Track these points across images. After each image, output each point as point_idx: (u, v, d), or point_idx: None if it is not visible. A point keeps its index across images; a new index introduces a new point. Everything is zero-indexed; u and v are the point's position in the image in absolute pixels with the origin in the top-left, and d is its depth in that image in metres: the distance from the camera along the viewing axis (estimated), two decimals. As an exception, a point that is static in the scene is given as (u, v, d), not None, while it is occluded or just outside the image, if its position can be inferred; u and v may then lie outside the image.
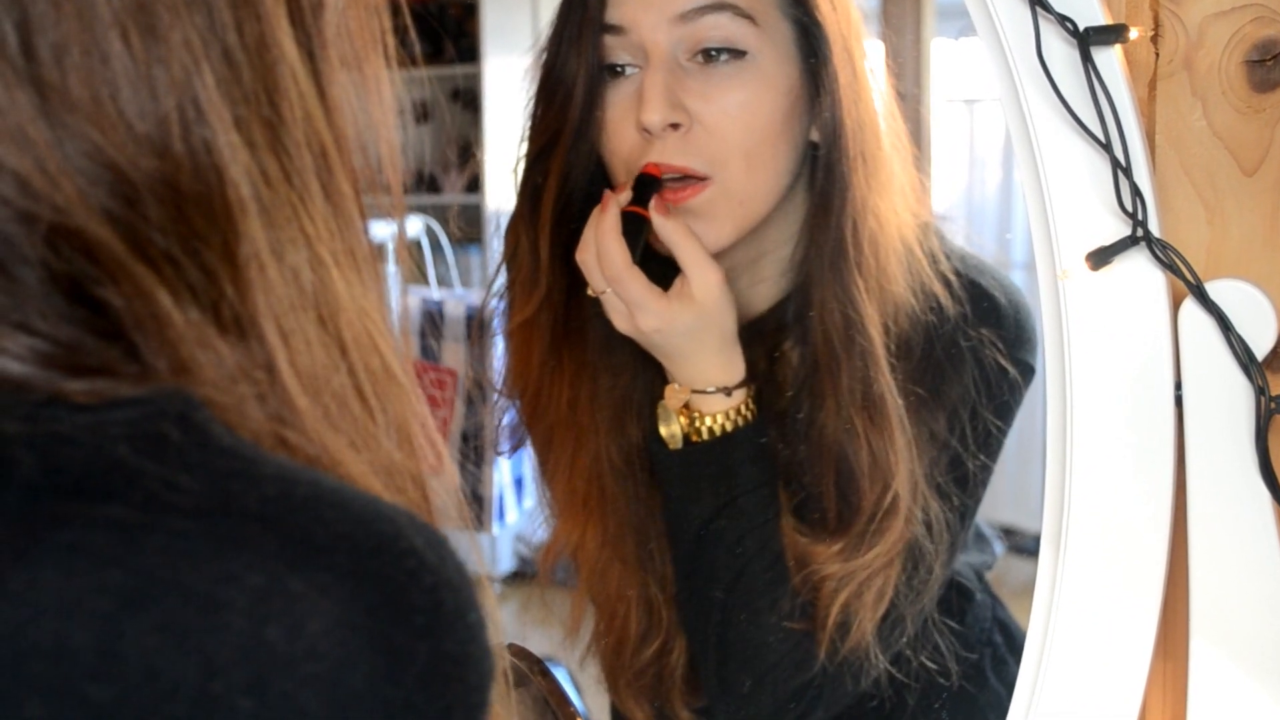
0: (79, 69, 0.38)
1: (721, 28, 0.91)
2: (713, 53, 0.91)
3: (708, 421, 0.96)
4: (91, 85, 0.38)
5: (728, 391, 0.96)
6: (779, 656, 0.96)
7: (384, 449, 0.44)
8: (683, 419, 0.97)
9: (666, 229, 0.92)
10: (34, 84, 0.38)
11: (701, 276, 0.92)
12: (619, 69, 0.94)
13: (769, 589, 0.96)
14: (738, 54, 0.91)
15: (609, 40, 0.93)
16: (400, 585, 0.37)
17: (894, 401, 0.94)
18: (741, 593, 0.96)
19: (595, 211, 0.93)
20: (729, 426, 0.96)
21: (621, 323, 0.93)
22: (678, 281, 0.93)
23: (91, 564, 0.34)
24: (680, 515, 0.98)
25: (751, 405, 0.97)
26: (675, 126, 0.91)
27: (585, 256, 0.93)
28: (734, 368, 0.97)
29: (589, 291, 0.94)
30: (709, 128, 0.91)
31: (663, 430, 0.98)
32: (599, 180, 0.97)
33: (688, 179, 0.92)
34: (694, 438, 0.97)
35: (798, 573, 0.96)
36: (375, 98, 0.47)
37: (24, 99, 0.38)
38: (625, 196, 0.93)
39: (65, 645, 0.33)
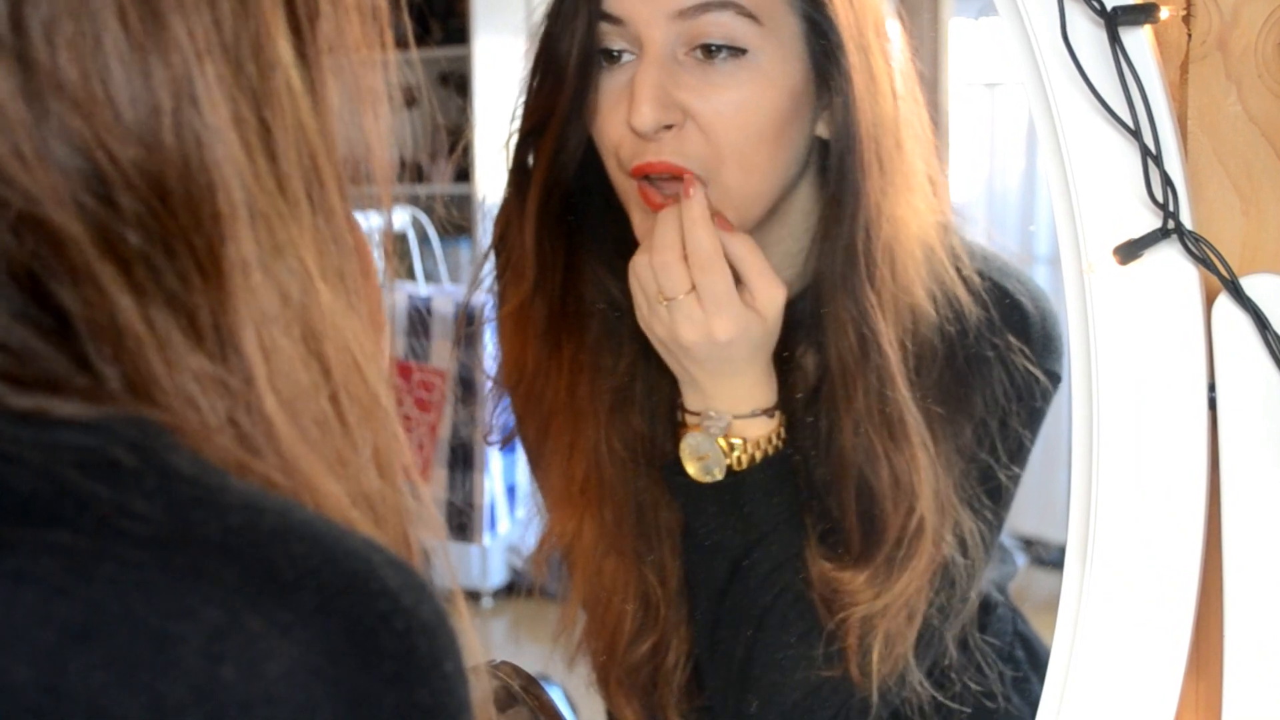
0: (70, 48, 0.38)
1: (723, 25, 0.91)
2: (712, 48, 0.91)
3: (749, 448, 0.96)
4: (82, 66, 0.38)
5: (770, 413, 0.97)
6: (805, 693, 0.96)
7: (365, 477, 0.43)
8: (722, 444, 0.97)
9: (733, 243, 0.92)
10: (19, 60, 0.38)
11: (769, 291, 0.92)
12: (615, 54, 0.94)
13: (798, 621, 0.97)
14: (738, 51, 0.91)
15: (605, 27, 0.93)
16: (369, 628, 0.36)
17: (914, 419, 0.95)
18: (771, 627, 0.97)
19: (666, 213, 0.92)
20: (770, 451, 0.97)
21: (691, 332, 0.91)
22: (740, 293, 0.93)
23: (36, 594, 0.34)
24: (712, 549, 0.98)
25: (784, 426, 0.98)
26: (668, 127, 0.91)
27: (667, 256, 0.91)
28: (774, 387, 0.97)
29: (659, 300, 0.92)
30: (704, 126, 0.92)
31: (693, 465, 0.97)
32: (589, 164, 0.98)
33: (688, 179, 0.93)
34: (735, 467, 0.97)
35: (826, 602, 0.96)
36: (370, 112, 0.47)
37: (6, 76, 0.37)
38: (704, 199, 0.92)
39: (5, 681, 0.33)
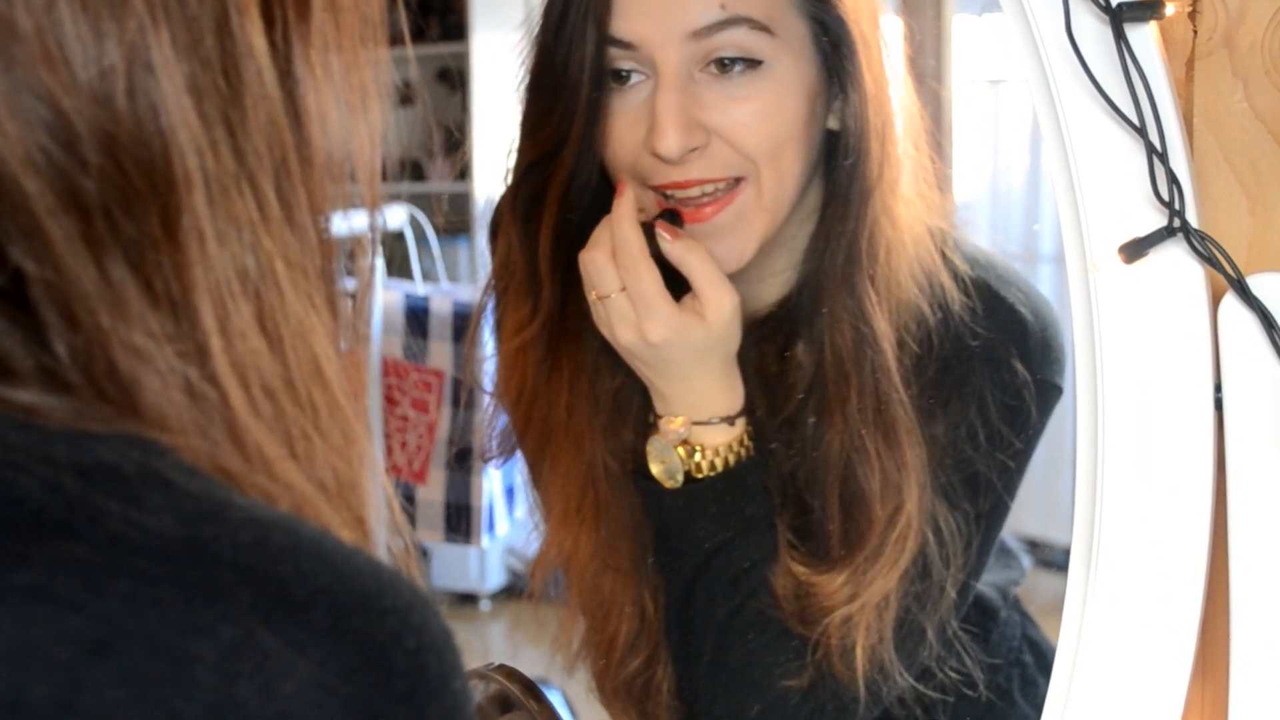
0: (25, 2, 0.38)
1: (737, 41, 0.91)
2: (726, 61, 0.91)
3: (709, 455, 0.97)
4: (36, 20, 0.38)
5: (730, 421, 0.97)
6: (777, 694, 0.97)
7: (319, 460, 0.44)
8: (680, 452, 0.97)
9: (677, 249, 0.92)
10: None
11: (716, 298, 0.92)
12: (624, 74, 0.93)
13: (764, 629, 0.97)
14: (753, 63, 0.91)
15: (615, 51, 0.92)
16: (381, 646, 0.37)
17: (907, 418, 0.95)
18: (740, 630, 0.97)
19: (603, 221, 0.94)
20: (731, 460, 0.97)
21: (626, 332, 0.93)
22: (688, 299, 0.93)
23: (52, 610, 0.34)
24: (677, 554, 0.99)
25: (750, 436, 0.98)
26: (694, 149, 0.92)
27: (597, 254, 0.93)
28: (736, 395, 0.97)
29: (593, 296, 0.94)
30: (730, 140, 0.92)
31: (656, 467, 0.98)
32: (601, 190, 0.97)
33: (717, 190, 0.93)
34: (695, 473, 0.97)
35: (803, 610, 0.96)
36: (361, 117, 0.47)
37: None
38: (632, 197, 0.93)
39: (22, 697, 0.33)
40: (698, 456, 0.97)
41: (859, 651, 0.95)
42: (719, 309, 0.92)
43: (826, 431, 0.96)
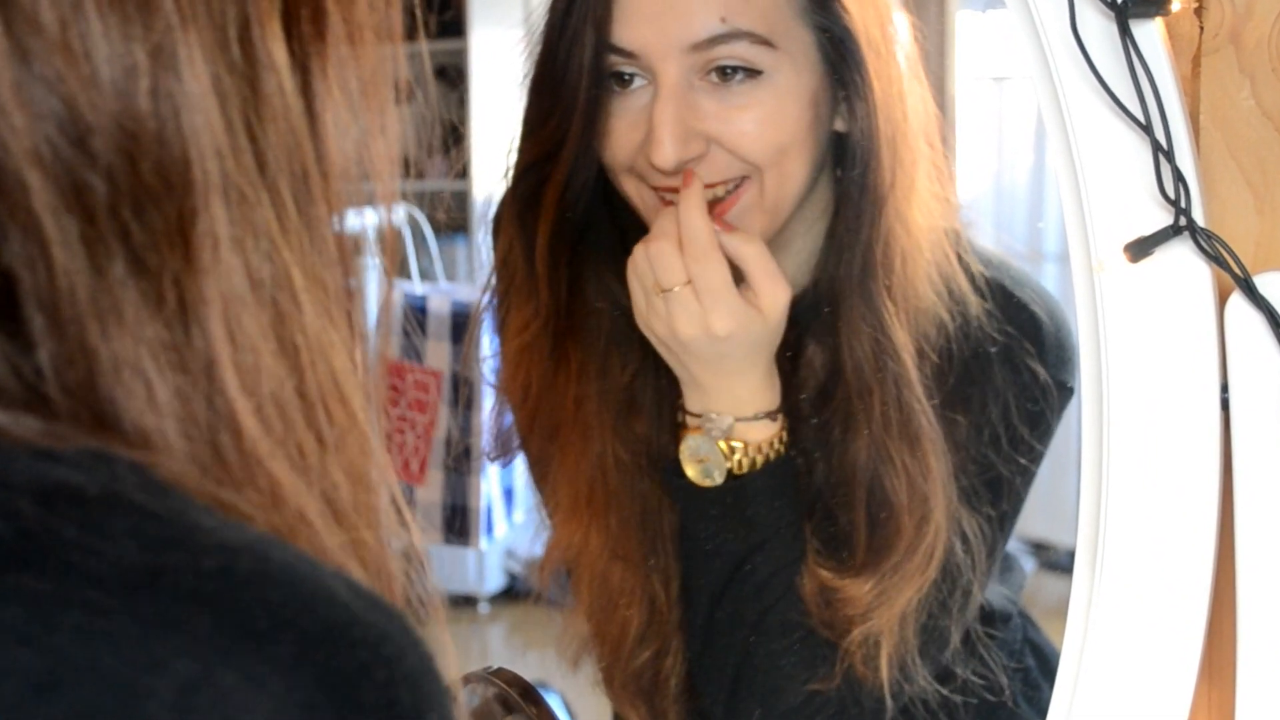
0: None
1: (738, 53, 0.91)
2: (727, 70, 0.91)
3: (751, 452, 0.97)
4: (60, 14, 0.37)
5: (773, 416, 0.97)
6: (803, 698, 0.97)
7: (331, 477, 0.42)
8: (722, 447, 0.97)
9: (733, 242, 0.92)
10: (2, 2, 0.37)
11: (772, 289, 0.92)
12: (625, 77, 0.94)
13: (797, 627, 0.97)
14: (754, 72, 0.92)
15: (614, 57, 0.93)
16: (349, 680, 0.35)
17: (931, 427, 0.95)
18: (769, 632, 0.97)
19: (667, 208, 0.93)
20: (773, 456, 0.97)
21: (688, 326, 0.92)
22: (742, 291, 0.93)
23: None
24: (712, 554, 0.98)
25: (787, 430, 0.98)
26: (691, 159, 0.92)
27: (664, 244, 0.92)
28: (776, 390, 0.97)
29: (654, 290, 0.93)
30: (730, 147, 0.92)
31: (692, 468, 0.97)
32: (599, 190, 0.98)
33: (715, 196, 0.93)
34: (736, 470, 0.97)
35: (829, 614, 0.96)
36: (378, 133, 0.46)
37: None
38: (701, 188, 0.92)
39: None
40: (738, 454, 0.97)
41: (883, 656, 0.95)
42: (774, 301, 0.92)
43: (851, 441, 0.97)
